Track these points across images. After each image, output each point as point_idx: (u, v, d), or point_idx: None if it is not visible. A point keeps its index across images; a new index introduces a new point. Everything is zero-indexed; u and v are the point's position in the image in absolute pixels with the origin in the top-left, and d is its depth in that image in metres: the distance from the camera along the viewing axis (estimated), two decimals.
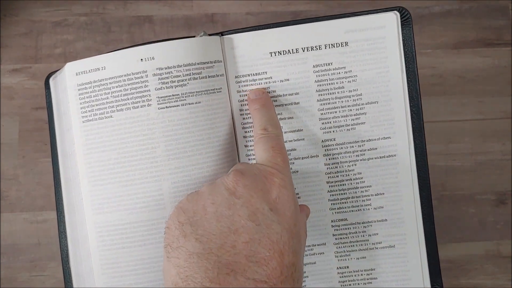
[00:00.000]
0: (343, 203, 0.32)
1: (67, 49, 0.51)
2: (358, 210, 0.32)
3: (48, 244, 0.47)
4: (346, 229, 0.32)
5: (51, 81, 0.35)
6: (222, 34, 0.33)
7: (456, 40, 0.52)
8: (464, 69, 0.52)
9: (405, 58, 0.32)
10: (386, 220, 0.32)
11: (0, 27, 0.52)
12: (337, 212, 0.32)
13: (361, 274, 0.32)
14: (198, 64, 0.31)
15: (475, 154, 0.50)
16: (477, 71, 0.52)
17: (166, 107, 0.30)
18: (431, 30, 0.53)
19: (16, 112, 0.50)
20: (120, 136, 0.31)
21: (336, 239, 0.32)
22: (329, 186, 0.32)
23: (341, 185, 0.32)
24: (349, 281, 0.32)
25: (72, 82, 0.32)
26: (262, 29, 0.32)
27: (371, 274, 0.32)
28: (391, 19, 0.32)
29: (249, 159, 0.32)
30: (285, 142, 0.31)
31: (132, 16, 0.52)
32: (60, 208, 0.34)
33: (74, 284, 0.33)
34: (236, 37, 0.32)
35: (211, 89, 0.31)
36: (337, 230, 0.32)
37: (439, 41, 0.52)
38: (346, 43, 0.32)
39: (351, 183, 0.32)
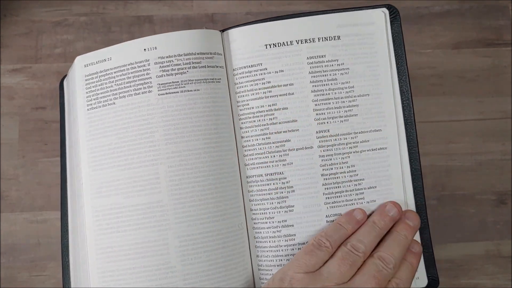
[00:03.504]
0: (337, 197, 0.32)
1: (67, 49, 0.51)
2: (352, 204, 0.32)
3: (48, 244, 0.47)
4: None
5: (64, 82, 0.37)
6: (223, 31, 0.34)
7: (456, 40, 0.52)
8: (464, 69, 0.52)
9: (394, 53, 0.33)
10: None
11: (0, 27, 0.52)
12: (332, 207, 0.32)
13: None
14: (198, 54, 0.32)
15: (475, 154, 0.50)
16: (477, 71, 0.52)
17: (166, 93, 0.31)
18: (431, 30, 0.53)
19: (16, 112, 0.50)
20: (121, 122, 0.32)
21: None
22: (324, 179, 0.32)
23: (335, 177, 0.32)
24: None
25: (81, 73, 0.33)
26: (259, 23, 0.33)
27: None
28: (380, 16, 0.33)
29: (245, 150, 0.32)
30: (279, 133, 0.32)
31: (132, 16, 0.52)
32: (65, 201, 0.35)
33: (72, 275, 0.33)
34: (234, 31, 0.33)
35: (210, 79, 0.32)
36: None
37: (439, 41, 0.52)
38: (339, 37, 0.32)
39: (345, 176, 0.32)
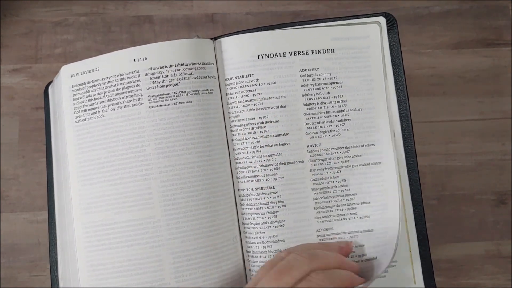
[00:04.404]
0: (328, 211, 0.31)
1: (67, 49, 0.51)
2: (344, 219, 0.31)
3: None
4: (331, 239, 0.32)
5: (49, 89, 0.36)
6: (215, 39, 0.33)
7: (456, 40, 0.52)
8: (464, 69, 0.52)
9: (392, 62, 0.32)
10: (372, 230, 0.31)
11: (0, 27, 0.52)
12: (322, 221, 0.31)
13: None
14: (189, 64, 0.31)
15: (475, 154, 0.50)
16: (477, 71, 0.52)
17: (157, 105, 0.31)
18: (431, 30, 0.53)
19: (16, 112, 0.50)
20: (111, 135, 0.31)
21: None
22: (314, 193, 0.31)
23: (326, 192, 0.31)
24: None
25: (67, 84, 0.32)
26: (252, 32, 0.32)
27: None
28: (375, 30, 0.32)
29: (236, 163, 0.32)
30: (270, 146, 0.31)
31: (132, 16, 0.52)
32: (52, 213, 0.34)
33: (61, 286, 0.33)
34: (226, 39, 0.32)
35: (203, 90, 0.31)
36: (322, 240, 0.32)
37: (439, 41, 0.52)
38: (332, 50, 0.32)
39: (336, 191, 0.31)
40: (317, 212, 0.31)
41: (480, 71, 0.52)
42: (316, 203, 0.31)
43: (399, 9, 0.53)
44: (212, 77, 0.32)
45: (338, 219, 0.31)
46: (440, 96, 0.51)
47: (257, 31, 0.32)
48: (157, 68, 0.31)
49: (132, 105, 0.31)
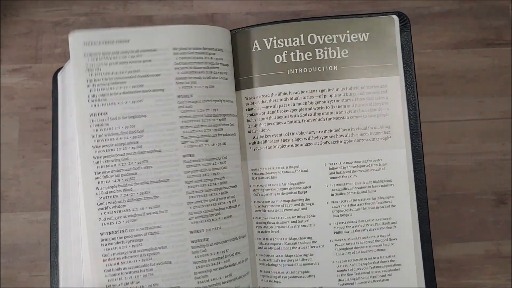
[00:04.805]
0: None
1: (67, 49, 0.51)
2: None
3: (48, 244, 0.47)
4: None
5: (59, 75, 0.35)
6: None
7: (456, 40, 0.52)
8: (464, 69, 0.52)
9: (403, 61, 0.32)
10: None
11: (0, 27, 0.51)
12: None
13: None
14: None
15: (475, 154, 0.50)
16: (477, 71, 0.52)
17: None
18: (431, 30, 0.53)
19: (16, 112, 0.50)
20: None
21: None
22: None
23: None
24: None
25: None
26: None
27: None
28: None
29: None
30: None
31: (132, 16, 0.52)
32: (55, 200, 0.34)
33: (61, 273, 0.33)
34: None
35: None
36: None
37: (439, 41, 0.52)
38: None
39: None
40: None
41: (480, 71, 0.52)
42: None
43: (399, 9, 0.53)
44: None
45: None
46: (440, 96, 0.51)
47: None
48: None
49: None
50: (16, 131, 0.49)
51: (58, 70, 0.36)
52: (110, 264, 0.29)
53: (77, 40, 0.29)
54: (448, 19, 0.53)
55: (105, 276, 0.29)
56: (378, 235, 0.31)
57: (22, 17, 0.52)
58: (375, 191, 0.31)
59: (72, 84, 0.30)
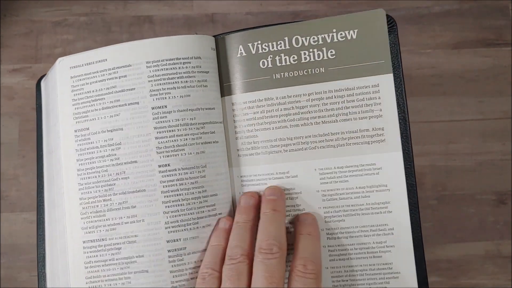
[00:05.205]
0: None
1: (67, 49, 0.51)
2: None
3: None
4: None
5: (42, 82, 0.35)
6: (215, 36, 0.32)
7: (456, 40, 0.52)
8: (464, 69, 0.52)
9: (392, 64, 0.31)
10: None
11: (0, 27, 0.51)
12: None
13: None
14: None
15: (475, 154, 0.50)
16: (477, 71, 0.52)
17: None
18: (431, 30, 0.53)
19: (16, 112, 0.50)
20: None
21: None
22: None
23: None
24: None
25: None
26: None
27: None
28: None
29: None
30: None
31: (132, 16, 0.52)
32: (41, 209, 0.34)
33: (48, 283, 0.33)
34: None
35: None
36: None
37: (439, 41, 0.52)
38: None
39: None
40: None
41: (480, 71, 0.52)
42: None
43: (399, 9, 0.53)
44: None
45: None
46: (440, 96, 0.51)
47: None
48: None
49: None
50: (16, 131, 0.49)
51: (42, 77, 0.36)
52: (91, 272, 0.30)
53: (64, 65, 0.31)
54: (448, 19, 0.53)
55: (86, 283, 0.30)
56: (373, 242, 0.30)
57: (22, 17, 0.52)
58: (369, 196, 0.30)
59: (58, 102, 0.32)
